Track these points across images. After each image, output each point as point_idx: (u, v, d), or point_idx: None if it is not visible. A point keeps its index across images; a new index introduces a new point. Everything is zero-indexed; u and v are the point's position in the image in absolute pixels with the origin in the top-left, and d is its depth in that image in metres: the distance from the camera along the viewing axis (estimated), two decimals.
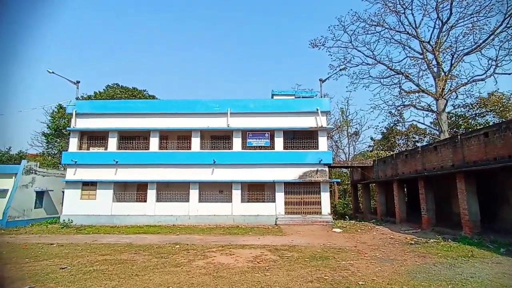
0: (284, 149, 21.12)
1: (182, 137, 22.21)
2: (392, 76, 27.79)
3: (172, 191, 21.10)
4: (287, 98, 22.57)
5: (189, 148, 21.60)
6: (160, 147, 21.89)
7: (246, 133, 21.51)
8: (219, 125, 21.47)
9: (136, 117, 21.73)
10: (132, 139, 22.32)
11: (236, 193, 20.59)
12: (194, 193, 20.67)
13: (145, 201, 20.74)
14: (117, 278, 6.73)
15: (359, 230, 16.18)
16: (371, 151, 34.79)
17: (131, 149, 21.83)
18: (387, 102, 31.11)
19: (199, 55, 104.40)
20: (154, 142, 21.55)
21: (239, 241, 12.59)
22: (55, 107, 32.47)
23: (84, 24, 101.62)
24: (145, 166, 20.97)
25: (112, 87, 34.34)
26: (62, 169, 26.90)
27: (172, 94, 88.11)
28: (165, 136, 22.58)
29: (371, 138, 38.38)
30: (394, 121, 32.74)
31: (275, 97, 23.00)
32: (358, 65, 28.35)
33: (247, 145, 21.41)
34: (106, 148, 21.89)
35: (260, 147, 21.46)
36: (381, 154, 29.68)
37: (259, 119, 21.42)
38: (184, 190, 20.90)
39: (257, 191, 21.21)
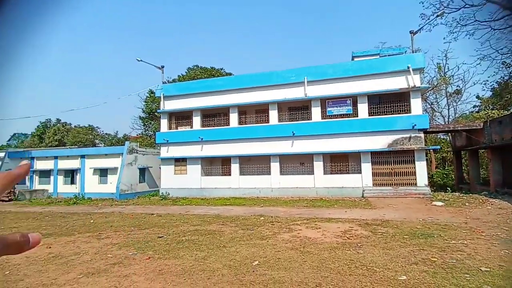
0: (369, 115, 19.18)
1: (260, 111, 22.11)
2: (507, 17, 22.18)
3: (254, 164, 21.48)
4: (371, 58, 20.15)
5: (267, 121, 21.43)
6: (240, 122, 22.28)
7: (325, 102, 20.18)
8: (296, 95, 20.60)
9: (215, 95, 22.40)
10: (213, 116, 23.24)
11: (318, 165, 19.80)
12: (275, 166, 20.65)
13: (230, 174, 21.64)
14: (206, 248, 6.91)
15: (467, 204, 13.82)
16: (477, 112, 29.31)
17: (214, 126, 22.80)
18: (501, 50, 25.27)
19: (274, 21, 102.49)
20: (233, 118, 22.01)
21: (324, 214, 12.00)
22: (147, 93, 36.09)
23: (162, 14, 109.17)
24: (227, 141, 21.70)
25: (193, 69, 36.22)
26: (158, 148, 30.11)
27: (247, 71, 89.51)
28: (244, 111, 22.83)
29: (478, 97, 32.24)
30: (510, 72, 26.57)
31: (356, 59, 20.79)
32: (459, 9, 23.40)
33: (327, 114, 20.12)
34: (191, 127, 23.35)
35: (342, 115, 19.93)
36: (493, 114, 24.65)
37: (339, 85, 19.77)
38: (266, 163, 21.04)
39: (340, 162, 20.02)
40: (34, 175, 27.38)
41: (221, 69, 36.11)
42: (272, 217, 11.57)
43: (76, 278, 5.13)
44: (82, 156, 26.20)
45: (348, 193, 18.77)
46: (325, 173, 19.87)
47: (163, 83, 25.34)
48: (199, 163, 22.30)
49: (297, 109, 21.49)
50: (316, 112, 20.25)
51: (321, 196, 18.97)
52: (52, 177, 26.89)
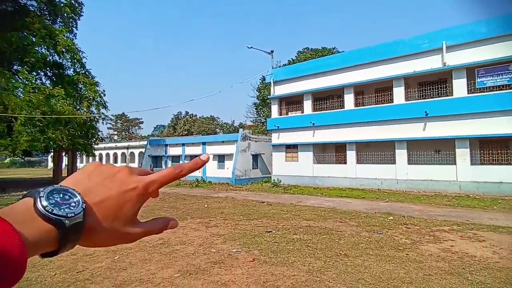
0: None
1: (381, 89, 18.88)
2: None
3: (374, 151, 18.61)
4: None
5: (391, 101, 18.10)
6: (356, 104, 19.61)
7: (473, 71, 15.48)
8: (429, 66, 16.56)
9: (328, 75, 20.34)
10: (326, 99, 21.27)
11: (462, 152, 15.50)
12: (401, 154, 17.31)
13: (345, 162, 19.44)
14: (323, 255, 5.45)
15: None
16: None
17: (326, 110, 20.88)
18: None
19: None
20: (349, 99, 19.54)
21: (482, 219, 8.79)
22: (259, 79, 36.65)
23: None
24: (341, 126, 19.47)
25: (303, 52, 34.70)
26: (270, 134, 30.22)
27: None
28: (360, 91, 20.00)
29: None
30: None
31: None
32: None
33: (477, 86, 15.42)
34: (302, 111, 22.04)
35: (497, 88, 14.93)
36: None
37: (494, 47, 14.77)
38: (389, 150, 17.90)
39: (497, 149, 15.16)
40: (168, 160, 31.55)
41: (333, 48, 33.34)
42: (404, 217, 9.15)
43: (172, 277, 4.49)
44: (203, 143, 28.49)
45: (510, 190, 14.01)
46: (473, 163, 15.43)
47: (272, 68, 24.77)
48: (311, 149, 20.86)
49: (430, 84, 17.37)
50: (459, 85, 15.82)
51: (466, 192, 14.84)
52: (181, 162, 30.38)
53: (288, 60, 35.28)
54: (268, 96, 25.37)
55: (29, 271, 4.83)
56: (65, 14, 24.73)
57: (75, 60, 23.99)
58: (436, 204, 11.89)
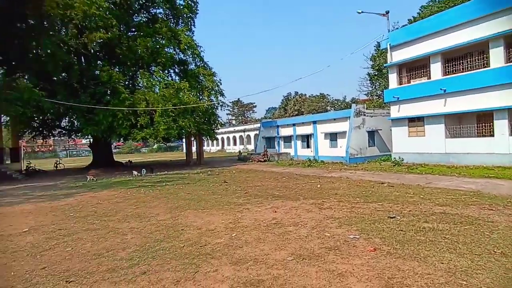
0: None
1: None
2: None
3: None
4: None
5: None
6: (508, 59, 15.22)
7: None
8: None
9: (464, 28, 16.40)
10: (461, 59, 17.32)
11: None
12: None
13: (491, 135, 15.59)
14: (469, 253, 4.32)
15: None
16: None
17: (462, 72, 17.04)
18: None
19: None
20: (496, 54, 15.31)
21: None
22: (374, 47, 32.97)
23: None
24: (485, 89, 15.56)
25: (427, 6, 29.19)
26: (388, 108, 27.08)
27: None
28: None
29: None
30: None
31: None
32: None
33: None
34: (428, 77, 18.69)
35: None
36: None
37: None
38: None
39: None
40: (280, 141, 32.43)
41: None
42: None
43: (285, 260, 4.34)
44: (314, 122, 27.89)
45: None
46: None
47: (388, 32, 21.71)
48: (442, 121, 17.57)
49: None
50: None
51: None
52: (292, 142, 30.74)
53: (408, 19, 30.33)
54: (385, 65, 22.52)
55: (165, 241, 5.56)
56: (184, 15, 27.80)
57: (195, 55, 26.84)
58: None
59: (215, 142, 61.31)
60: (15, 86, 18.72)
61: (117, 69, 24.55)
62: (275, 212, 7.43)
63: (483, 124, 16.31)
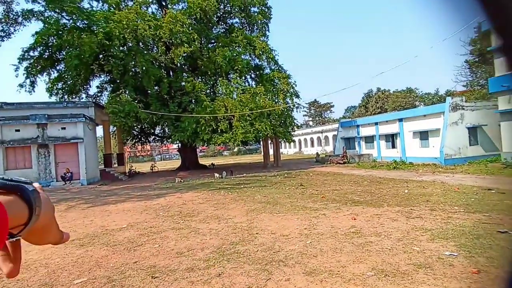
0: None
1: None
2: None
3: None
4: None
5: None
6: None
7: None
8: None
9: None
10: None
11: None
12: None
13: None
14: None
15: None
16: None
17: None
18: None
19: None
20: None
21: None
22: (474, 29, 28.30)
23: None
24: None
25: None
26: (494, 99, 22.92)
27: None
28: None
29: None
30: None
31: None
32: None
33: None
34: None
35: None
36: None
37: None
38: None
39: None
40: (361, 141, 30.46)
41: None
42: None
43: (364, 275, 3.91)
44: (400, 120, 25.43)
45: None
46: None
47: None
48: None
49: None
50: None
51: None
52: (375, 142, 28.57)
53: None
54: (488, 48, 19.09)
55: (240, 244, 5.64)
56: (258, 21, 28.56)
57: (270, 59, 27.27)
58: None
59: (292, 144, 61.17)
60: (118, 100, 21.94)
61: (199, 79, 26.63)
62: (354, 219, 6.88)
63: None
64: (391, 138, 26.70)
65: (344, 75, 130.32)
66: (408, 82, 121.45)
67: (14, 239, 0.48)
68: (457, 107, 20.44)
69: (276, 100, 26.60)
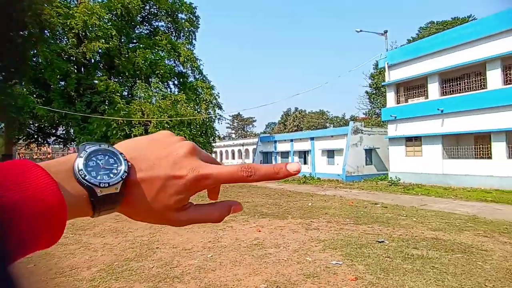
0: None
1: None
2: None
3: None
4: None
5: None
6: (505, 82, 15.14)
7: None
8: None
9: (461, 49, 16.43)
10: (458, 80, 17.28)
11: None
12: None
13: (489, 157, 15.33)
14: (458, 286, 3.97)
15: None
16: None
17: (459, 93, 16.96)
18: None
19: None
20: (493, 76, 15.27)
21: None
22: (372, 65, 33.16)
23: None
24: (482, 111, 15.42)
25: (426, 28, 29.55)
26: (386, 126, 26.97)
27: None
28: (509, 65, 15.29)
29: None
30: None
31: None
32: None
33: None
34: (426, 97, 18.61)
35: None
36: None
37: None
38: None
39: None
40: (278, 156, 32.11)
41: (469, 16, 27.04)
42: None
43: (256, 287, 3.98)
44: (312, 138, 27.67)
45: None
46: None
47: (386, 51, 21.80)
48: (439, 142, 17.35)
49: None
50: None
51: None
52: (290, 158, 30.42)
53: (407, 40, 30.64)
54: (382, 83, 22.50)
55: (135, 260, 5.20)
56: (185, 29, 28.11)
57: (194, 68, 26.97)
58: None
59: (213, 155, 60.99)
60: (10, 92, 18.66)
61: (116, 80, 24.59)
62: (259, 231, 7.06)
63: (481, 145, 16.09)
64: (303, 155, 28.81)
65: (268, 93, 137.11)
66: (322, 105, 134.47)
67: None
68: (358, 131, 23.30)
69: (199, 110, 26.28)
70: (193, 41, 29.42)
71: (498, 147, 14.87)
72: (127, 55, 23.36)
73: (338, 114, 58.77)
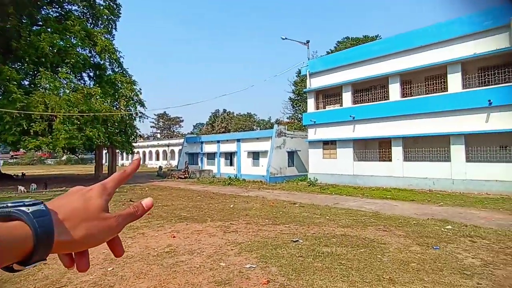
0: None
1: (432, 77, 16.60)
2: None
3: (424, 147, 16.43)
4: None
5: (444, 89, 15.83)
6: (403, 95, 17.49)
7: None
8: (497, 45, 14.03)
9: (370, 64, 18.40)
10: (368, 90, 19.32)
11: None
12: (457, 150, 15.02)
13: (390, 160, 17.44)
14: (360, 280, 4.20)
15: None
16: None
17: (368, 102, 18.96)
18: None
19: None
20: (394, 90, 17.48)
21: None
22: (296, 73, 35.11)
23: None
24: (385, 119, 17.49)
25: (343, 42, 32.55)
26: (307, 130, 28.73)
27: None
28: (408, 80, 17.77)
29: None
30: None
31: None
32: None
33: None
34: (341, 105, 20.33)
35: None
36: None
37: None
38: (442, 146, 15.66)
39: None
40: (204, 157, 31.45)
41: (377, 36, 30.73)
42: (466, 226, 7.43)
43: None
44: (238, 140, 27.83)
45: None
46: None
47: (308, 59, 23.25)
48: (351, 146, 19.10)
49: (494, 68, 14.80)
50: None
51: None
52: (216, 159, 30.08)
53: (327, 51, 33.34)
54: (304, 90, 23.90)
55: (14, 279, 4.26)
56: (104, 16, 25.50)
57: (113, 60, 24.62)
58: (507, 210, 9.79)
59: (135, 156, 56.91)
60: None
61: (13, 66, 20.87)
62: (174, 237, 6.58)
63: (383, 149, 18.21)
64: (230, 156, 28.78)
65: (197, 93, 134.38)
66: (250, 108, 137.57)
67: (29, 266, 0.40)
68: (281, 134, 24.26)
69: (117, 106, 24.06)
70: (113, 30, 26.92)
71: (396, 151, 17.06)
72: (28, 39, 20.02)
73: (265, 117, 60.73)
